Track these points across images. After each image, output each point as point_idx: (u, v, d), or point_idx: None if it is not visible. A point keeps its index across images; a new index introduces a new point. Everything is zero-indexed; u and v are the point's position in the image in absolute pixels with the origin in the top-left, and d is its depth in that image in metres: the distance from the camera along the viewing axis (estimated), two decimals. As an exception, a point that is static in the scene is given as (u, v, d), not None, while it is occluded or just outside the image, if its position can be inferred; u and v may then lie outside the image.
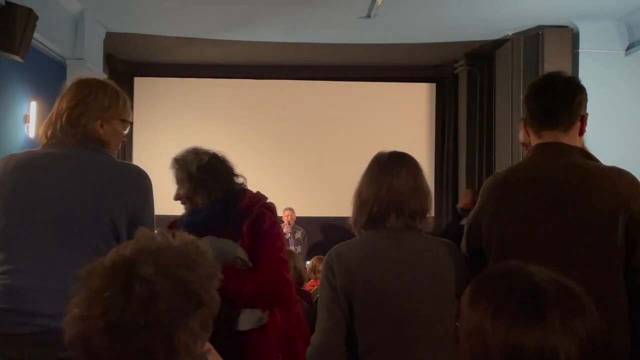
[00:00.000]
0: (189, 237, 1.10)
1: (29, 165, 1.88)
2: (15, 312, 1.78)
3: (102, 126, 1.93)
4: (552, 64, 6.40)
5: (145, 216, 1.87)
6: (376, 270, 1.83)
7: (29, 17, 4.36)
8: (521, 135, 2.09)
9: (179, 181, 2.30)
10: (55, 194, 1.84)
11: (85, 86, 1.95)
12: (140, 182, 1.91)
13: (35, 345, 1.73)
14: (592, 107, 6.62)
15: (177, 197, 2.32)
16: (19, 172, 1.87)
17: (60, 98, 1.95)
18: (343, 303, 1.81)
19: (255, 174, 9.84)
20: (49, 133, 1.92)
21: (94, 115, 1.91)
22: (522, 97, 6.61)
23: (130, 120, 2.03)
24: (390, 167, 1.92)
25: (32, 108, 5.24)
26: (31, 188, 1.85)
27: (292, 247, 7.25)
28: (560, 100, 2.02)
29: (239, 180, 2.35)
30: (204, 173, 2.24)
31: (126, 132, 2.03)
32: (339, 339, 1.82)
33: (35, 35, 4.60)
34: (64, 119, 1.89)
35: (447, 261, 1.89)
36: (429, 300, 1.83)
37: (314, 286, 4.51)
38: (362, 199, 1.92)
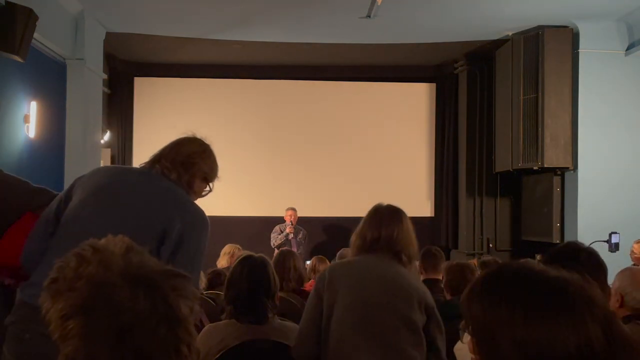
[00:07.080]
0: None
1: (118, 175, 2.14)
2: None
3: (197, 180, 2.19)
4: (552, 64, 6.41)
5: (190, 252, 2.02)
6: (361, 274, 2.27)
7: (29, 17, 4.36)
8: None
9: None
10: (127, 206, 2.02)
11: (211, 152, 2.24)
12: (199, 225, 2.07)
13: None
14: (592, 107, 6.64)
15: None
16: (108, 175, 2.13)
17: (182, 141, 2.19)
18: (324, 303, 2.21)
19: (256, 174, 9.77)
20: (159, 157, 2.15)
21: (201, 174, 2.19)
22: (522, 97, 6.63)
23: (212, 187, 2.29)
24: (379, 217, 2.38)
25: (32, 108, 5.22)
26: (110, 193, 2.04)
27: (293, 248, 7.23)
28: None
29: None
30: None
31: (205, 192, 2.27)
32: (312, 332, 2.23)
33: (35, 35, 4.60)
34: (180, 159, 2.14)
35: (420, 287, 2.31)
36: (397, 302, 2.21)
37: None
38: (356, 235, 2.39)
